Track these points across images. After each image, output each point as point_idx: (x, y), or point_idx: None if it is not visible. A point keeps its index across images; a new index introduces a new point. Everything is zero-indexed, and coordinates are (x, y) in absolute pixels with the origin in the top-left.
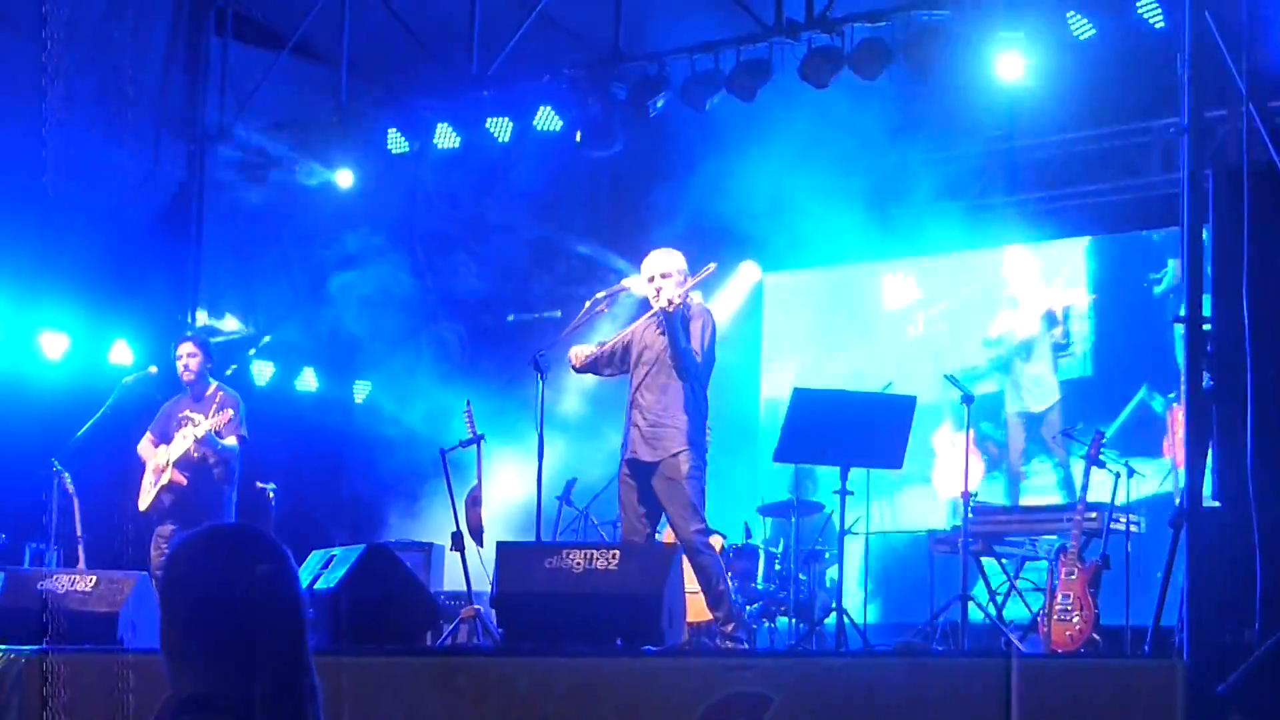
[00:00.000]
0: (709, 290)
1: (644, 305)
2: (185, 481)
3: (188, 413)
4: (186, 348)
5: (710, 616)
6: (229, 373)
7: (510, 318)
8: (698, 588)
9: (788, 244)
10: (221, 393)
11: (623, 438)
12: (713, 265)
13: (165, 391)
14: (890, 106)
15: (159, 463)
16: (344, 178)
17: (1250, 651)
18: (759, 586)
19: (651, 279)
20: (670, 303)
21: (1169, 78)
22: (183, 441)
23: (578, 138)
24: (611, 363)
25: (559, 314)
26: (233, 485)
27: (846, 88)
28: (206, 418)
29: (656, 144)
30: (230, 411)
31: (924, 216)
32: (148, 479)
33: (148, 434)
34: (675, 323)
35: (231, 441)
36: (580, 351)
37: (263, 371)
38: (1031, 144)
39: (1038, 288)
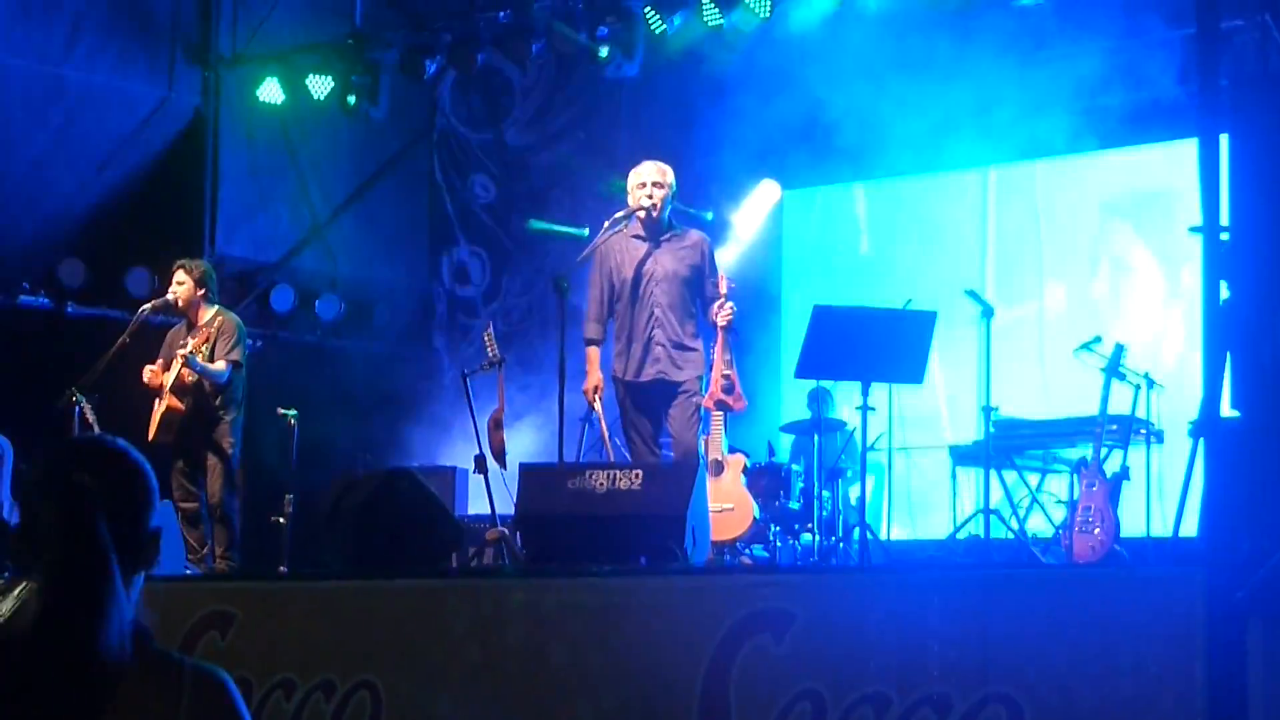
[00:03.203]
0: (726, 203)
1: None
2: (182, 408)
3: (186, 339)
4: (175, 275)
5: (736, 535)
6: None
7: (531, 226)
8: (724, 505)
9: (809, 161)
10: (220, 319)
11: (635, 358)
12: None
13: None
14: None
15: (158, 388)
16: (359, 102)
17: (1270, 558)
18: (782, 505)
19: (643, 185)
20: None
21: None
22: (175, 366)
23: (595, 55)
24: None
25: (586, 231)
26: (236, 410)
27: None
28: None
29: (675, 63)
30: (209, 333)
31: (947, 132)
32: (156, 407)
33: (159, 362)
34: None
35: (220, 366)
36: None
37: (283, 298)
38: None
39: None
